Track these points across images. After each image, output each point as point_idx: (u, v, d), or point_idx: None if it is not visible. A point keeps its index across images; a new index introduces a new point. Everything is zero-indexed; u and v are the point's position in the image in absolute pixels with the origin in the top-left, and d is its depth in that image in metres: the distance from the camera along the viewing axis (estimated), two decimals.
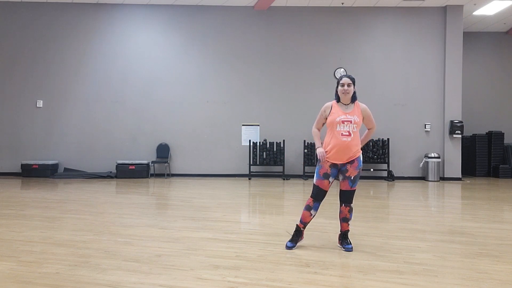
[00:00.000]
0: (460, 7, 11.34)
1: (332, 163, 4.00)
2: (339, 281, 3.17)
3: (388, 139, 11.18)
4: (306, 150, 11.18)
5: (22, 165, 11.10)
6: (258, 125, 11.61)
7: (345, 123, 3.95)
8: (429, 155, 11.20)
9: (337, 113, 4.00)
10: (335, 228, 5.07)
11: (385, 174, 11.31)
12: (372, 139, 11.19)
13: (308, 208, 4.07)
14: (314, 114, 12.19)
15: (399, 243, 4.35)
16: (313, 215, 4.08)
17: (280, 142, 11.25)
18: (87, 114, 11.57)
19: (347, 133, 3.93)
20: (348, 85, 4.00)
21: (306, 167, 11.20)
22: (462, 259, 3.80)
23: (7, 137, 11.46)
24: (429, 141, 11.54)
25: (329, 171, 4.00)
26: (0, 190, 8.37)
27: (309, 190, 9.18)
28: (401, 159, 11.51)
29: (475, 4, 11.16)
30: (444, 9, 11.49)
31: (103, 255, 3.78)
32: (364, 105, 4.11)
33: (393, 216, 6.19)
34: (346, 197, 4.03)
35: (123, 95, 11.61)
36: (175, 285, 3.07)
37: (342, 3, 11.39)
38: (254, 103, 11.61)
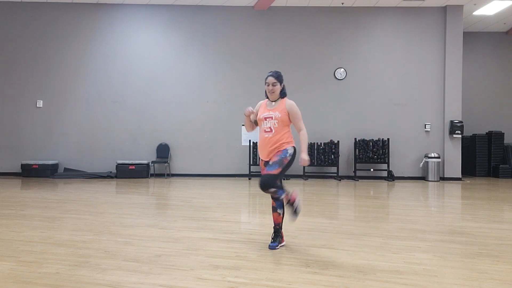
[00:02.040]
0: (460, 7, 11.33)
1: (265, 161, 4.05)
2: (339, 281, 3.17)
3: (388, 139, 11.18)
4: None
5: (22, 165, 11.09)
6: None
7: (267, 119, 3.98)
8: (429, 155, 11.19)
9: (262, 110, 4.08)
10: (335, 228, 5.08)
11: (385, 174, 11.30)
12: (372, 139, 11.19)
13: (274, 209, 4.16)
14: (314, 114, 12.14)
15: (399, 243, 4.35)
16: (281, 214, 4.15)
17: None
18: (87, 114, 11.56)
19: (269, 129, 3.96)
20: (273, 84, 3.99)
21: (306, 167, 11.18)
22: (462, 259, 3.80)
23: (7, 137, 11.45)
24: (429, 141, 11.53)
25: (265, 170, 4.01)
26: (0, 190, 8.36)
27: (309, 190, 9.19)
28: (401, 159, 11.50)
29: (475, 4, 11.16)
30: (444, 9, 11.48)
31: (103, 255, 3.78)
32: (291, 102, 4.00)
33: (393, 216, 6.19)
34: (263, 181, 3.78)
35: (123, 95, 11.60)
36: (175, 285, 3.07)
37: (342, 3, 11.39)
38: (254, 103, 11.57)
